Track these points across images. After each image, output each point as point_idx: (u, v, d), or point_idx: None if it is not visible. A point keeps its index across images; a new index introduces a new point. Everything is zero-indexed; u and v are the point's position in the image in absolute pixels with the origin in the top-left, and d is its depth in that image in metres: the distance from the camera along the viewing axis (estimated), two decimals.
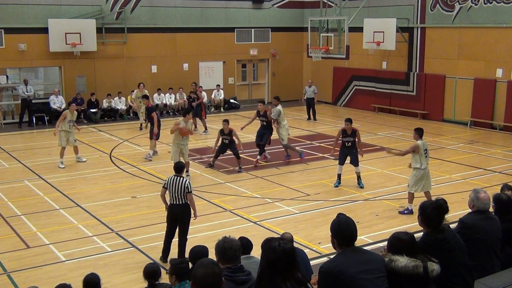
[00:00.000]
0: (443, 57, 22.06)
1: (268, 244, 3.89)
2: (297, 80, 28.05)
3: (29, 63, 22.23)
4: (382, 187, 13.20)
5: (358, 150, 13.13)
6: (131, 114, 23.16)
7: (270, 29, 27.04)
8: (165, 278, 6.49)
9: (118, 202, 12.27)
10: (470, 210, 5.88)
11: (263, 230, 10.43)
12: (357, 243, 4.40)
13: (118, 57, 23.56)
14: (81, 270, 8.36)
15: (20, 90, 21.10)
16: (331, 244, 4.44)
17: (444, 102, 22.23)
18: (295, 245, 6.31)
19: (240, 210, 11.61)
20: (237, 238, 4.61)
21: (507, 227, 5.81)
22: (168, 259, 8.82)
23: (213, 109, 25.12)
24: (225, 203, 12.09)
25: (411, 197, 11.39)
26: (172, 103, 23.99)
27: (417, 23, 22.89)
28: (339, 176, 13.28)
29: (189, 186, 8.82)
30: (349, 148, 13.07)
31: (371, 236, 10.07)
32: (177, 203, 8.83)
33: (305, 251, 7.57)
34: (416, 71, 23.20)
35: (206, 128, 19.84)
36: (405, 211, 11.37)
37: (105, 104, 22.69)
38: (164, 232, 9.17)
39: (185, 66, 25.09)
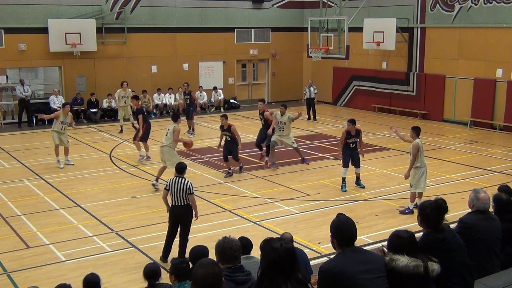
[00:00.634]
0: (443, 57, 22.07)
1: (269, 245, 3.88)
2: (297, 80, 28.05)
3: (29, 63, 22.23)
4: (382, 187, 13.20)
5: (359, 150, 13.12)
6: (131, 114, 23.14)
7: (270, 29, 27.05)
8: (165, 278, 6.49)
9: (118, 202, 12.27)
10: (470, 210, 5.88)
11: (263, 230, 10.43)
12: (357, 243, 4.40)
13: (118, 57, 23.56)
14: (81, 270, 8.36)
15: (18, 91, 21.10)
16: (331, 244, 4.44)
17: (444, 102, 22.24)
18: (295, 245, 6.31)
19: (240, 210, 11.61)
20: (237, 238, 4.61)
21: (507, 227, 5.81)
22: (169, 259, 8.84)
23: (213, 109, 25.12)
24: (225, 203, 12.09)
25: (412, 197, 11.41)
26: (172, 103, 23.98)
27: (417, 23, 22.89)
28: (344, 179, 13.01)
29: (190, 187, 8.82)
30: (352, 150, 13.01)
31: (371, 236, 10.07)
32: (179, 204, 8.82)
33: (305, 251, 7.58)
34: (416, 71, 23.21)
35: (193, 130, 19.57)
36: (406, 211, 11.38)
37: (105, 104, 22.70)
38: (165, 232, 9.18)
39: (185, 66, 25.09)
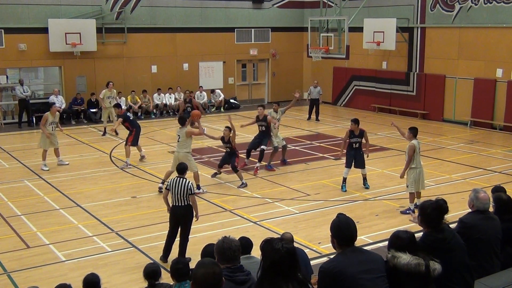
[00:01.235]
0: (443, 57, 22.07)
1: (270, 246, 3.86)
2: (297, 80, 28.04)
3: (29, 63, 22.23)
4: (382, 187, 13.20)
5: (364, 150, 13.03)
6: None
7: (270, 29, 27.04)
8: (165, 278, 6.49)
9: (118, 202, 12.27)
10: (470, 210, 5.88)
11: (263, 230, 10.43)
12: (357, 243, 4.40)
13: (118, 57, 23.56)
14: (81, 270, 8.37)
15: (17, 91, 21.09)
16: (331, 244, 4.44)
17: (444, 102, 22.24)
18: (295, 245, 6.31)
19: (240, 210, 11.61)
20: (237, 238, 4.60)
21: (507, 227, 5.81)
22: (169, 259, 8.83)
23: (213, 109, 25.12)
24: (225, 203, 12.09)
25: (412, 197, 11.42)
26: (172, 103, 23.98)
27: (417, 23, 22.89)
28: (344, 179, 13.00)
29: (191, 188, 8.82)
30: (356, 150, 12.93)
31: (371, 236, 10.07)
32: (180, 204, 8.82)
33: (305, 251, 7.57)
34: (416, 71, 23.21)
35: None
36: (407, 211, 11.39)
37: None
38: (165, 232, 9.18)
39: (185, 66, 25.09)
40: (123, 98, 22.93)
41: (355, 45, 23.24)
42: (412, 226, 9.89)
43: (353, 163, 12.95)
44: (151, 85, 23.93)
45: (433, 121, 22.14)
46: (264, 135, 14.93)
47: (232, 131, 13.32)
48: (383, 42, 22.67)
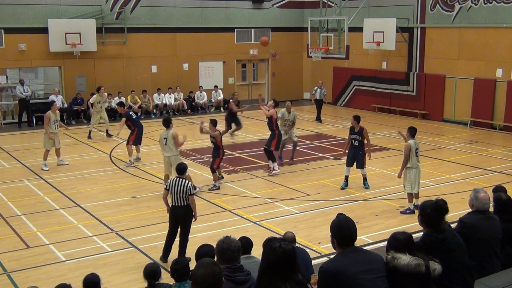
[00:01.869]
0: (443, 57, 22.07)
1: (269, 245, 3.88)
2: (297, 80, 28.05)
3: (29, 63, 22.23)
4: (382, 187, 13.20)
5: (366, 150, 12.99)
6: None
7: (270, 29, 27.04)
8: (165, 278, 6.49)
9: (118, 202, 12.27)
10: (470, 210, 5.88)
11: (263, 230, 10.43)
12: (357, 243, 4.40)
13: (118, 57, 23.56)
14: (81, 270, 8.37)
15: (17, 91, 21.09)
16: (331, 244, 4.44)
17: (444, 102, 22.24)
18: (297, 245, 6.30)
19: (240, 210, 11.61)
20: (238, 238, 4.60)
21: (507, 227, 5.81)
22: (169, 260, 8.83)
23: (213, 109, 25.12)
24: (225, 203, 12.09)
25: (410, 197, 11.44)
26: (172, 103, 23.99)
27: (417, 23, 22.89)
28: (346, 178, 13.07)
29: (191, 188, 8.82)
30: (356, 148, 12.91)
31: (371, 236, 10.07)
32: (179, 204, 8.82)
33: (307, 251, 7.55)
34: (416, 71, 23.21)
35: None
36: (407, 211, 11.39)
37: (105, 104, 22.65)
38: (165, 232, 9.18)
39: (185, 66, 25.09)
40: (123, 98, 22.94)
41: (355, 45, 23.24)
42: (411, 226, 9.91)
43: (354, 161, 12.95)
44: (151, 85, 23.93)
45: (433, 121, 22.14)
46: (269, 130, 14.80)
47: (214, 128, 12.94)
48: (383, 42, 22.67)
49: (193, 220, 9.04)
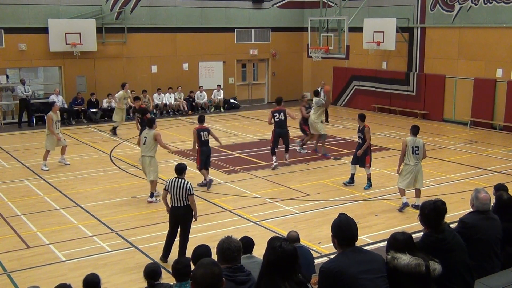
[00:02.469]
0: (443, 57, 22.07)
1: (270, 244, 3.91)
2: (297, 80, 28.05)
3: (29, 63, 22.23)
4: (382, 187, 13.20)
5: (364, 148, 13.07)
6: (131, 114, 23.15)
7: (270, 29, 27.05)
8: (165, 278, 6.49)
9: (118, 202, 12.27)
10: (470, 210, 5.88)
11: (263, 230, 10.43)
12: (357, 243, 4.40)
13: (118, 57, 23.56)
14: (81, 270, 8.37)
15: (18, 90, 21.09)
16: (331, 244, 4.44)
17: (444, 102, 22.24)
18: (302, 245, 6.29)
19: (240, 210, 11.61)
20: (239, 238, 4.60)
21: (507, 227, 5.82)
22: (169, 260, 8.83)
23: (213, 109, 25.12)
24: (225, 203, 12.09)
25: (401, 192, 11.60)
26: (172, 103, 23.99)
27: (417, 23, 22.89)
28: (351, 176, 13.27)
29: (190, 188, 8.81)
30: (358, 146, 13.13)
31: (371, 236, 10.07)
32: (179, 205, 8.82)
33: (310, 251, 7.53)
34: (416, 71, 23.21)
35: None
36: (402, 206, 11.52)
37: (105, 104, 22.68)
38: (165, 232, 9.18)
39: (185, 66, 25.10)
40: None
41: (355, 45, 23.24)
42: (411, 226, 9.91)
43: (357, 159, 13.11)
44: (151, 85, 23.93)
45: (433, 121, 22.13)
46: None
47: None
48: (383, 42, 22.67)
49: (193, 220, 9.04)
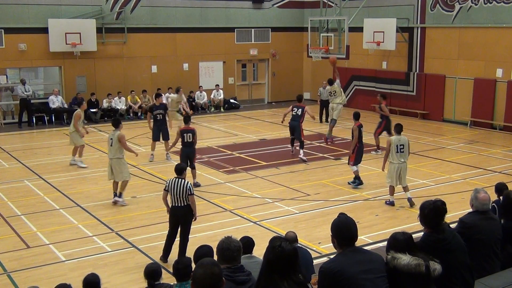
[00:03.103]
0: (443, 57, 22.07)
1: (270, 244, 3.92)
2: (297, 80, 28.05)
3: (29, 63, 22.23)
4: (382, 187, 13.19)
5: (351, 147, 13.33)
6: (131, 114, 23.17)
7: (270, 29, 27.05)
8: (165, 278, 6.49)
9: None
10: (470, 210, 5.89)
11: (263, 230, 10.43)
12: (357, 243, 4.40)
13: (118, 57, 23.56)
14: (81, 270, 8.37)
15: (19, 90, 21.09)
16: (331, 244, 4.44)
17: (444, 102, 22.24)
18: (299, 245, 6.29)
19: (240, 210, 11.61)
20: (240, 238, 4.60)
21: (509, 226, 5.83)
22: (169, 260, 8.83)
23: (213, 109, 25.12)
24: (225, 203, 12.09)
25: (391, 190, 11.85)
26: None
27: (417, 23, 22.89)
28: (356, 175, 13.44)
29: (190, 188, 8.80)
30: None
31: (371, 236, 10.07)
32: (179, 205, 8.82)
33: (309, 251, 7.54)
34: (416, 71, 23.21)
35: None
36: (387, 202, 11.88)
37: (105, 104, 22.69)
38: (165, 232, 9.18)
39: (185, 66, 25.10)
40: (123, 98, 22.95)
41: (355, 45, 23.24)
42: (411, 226, 9.91)
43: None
44: (151, 85, 23.92)
45: (433, 121, 22.13)
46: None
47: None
48: (383, 42, 22.67)
49: (193, 220, 9.04)
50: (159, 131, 15.75)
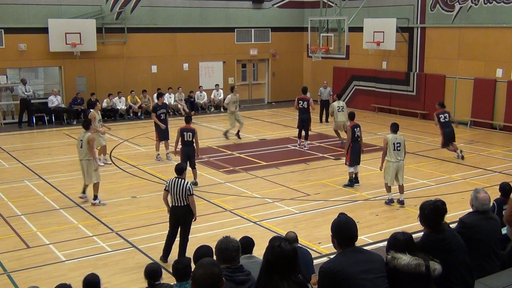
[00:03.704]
0: (443, 57, 22.07)
1: (270, 244, 3.92)
2: (297, 80, 28.03)
3: (29, 63, 22.23)
4: (382, 187, 13.16)
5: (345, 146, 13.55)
6: (131, 114, 23.17)
7: (270, 29, 27.04)
8: (165, 278, 6.49)
9: (118, 202, 12.27)
10: (470, 210, 5.89)
11: (263, 230, 10.43)
12: (357, 243, 4.39)
13: (118, 57, 23.56)
14: (81, 270, 8.37)
15: (19, 90, 21.09)
16: (331, 244, 4.44)
17: (444, 102, 22.18)
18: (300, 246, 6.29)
19: (240, 210, 11.61)
20: (239, 238, 4.60)
21: None
22: (169, 260, 8.83)
23: (213, 109, 25.12)
24: (225, 203, 12.09)
25: (386, 188, 11.94)
26: (172, 103, 23.95)
27: (417, 23, 22.89)
28: (355, 175, 13.42)
29: (190, 188, 8.81)
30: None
31: (371, 236, 10.07)
32: (179, 205, 8.82)
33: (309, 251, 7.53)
34: (416, 71, 23.21)
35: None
36: (387, 201, 11.89)
37: (105, 104, 22.67)
38: (165, 232, 9.19)
39: (185, 66, 25.09)
40: (123, 98, 22.95)
41: (355, 45, 23.24)
42: (411, 226, 9.90)
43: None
44: (151, 85, 23.92)
45: (433, 121, 22.05)
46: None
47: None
48: (383, 42, 22.67)
49: (193, 220, 9.05)
50: (165, 131, 15.78)
